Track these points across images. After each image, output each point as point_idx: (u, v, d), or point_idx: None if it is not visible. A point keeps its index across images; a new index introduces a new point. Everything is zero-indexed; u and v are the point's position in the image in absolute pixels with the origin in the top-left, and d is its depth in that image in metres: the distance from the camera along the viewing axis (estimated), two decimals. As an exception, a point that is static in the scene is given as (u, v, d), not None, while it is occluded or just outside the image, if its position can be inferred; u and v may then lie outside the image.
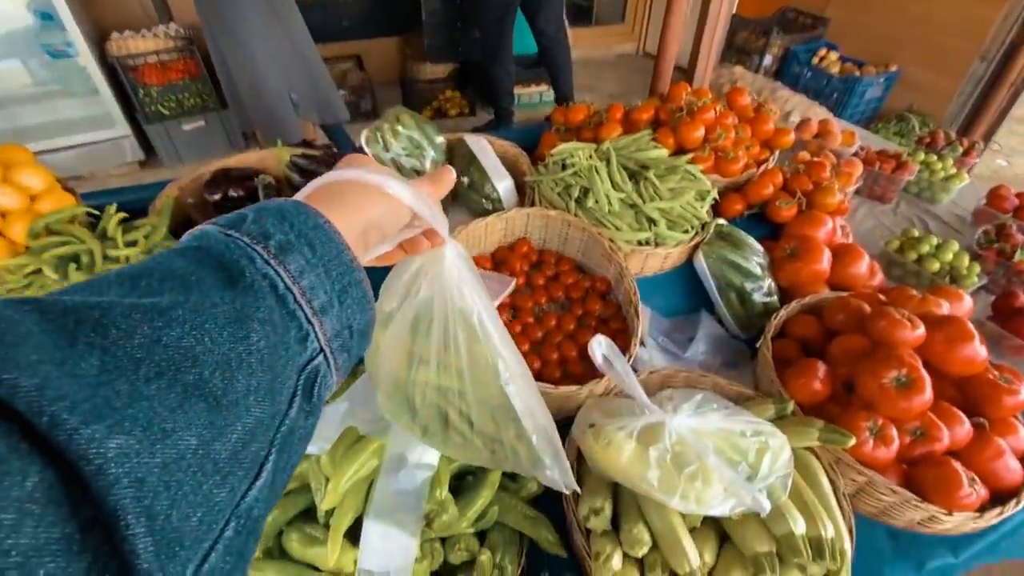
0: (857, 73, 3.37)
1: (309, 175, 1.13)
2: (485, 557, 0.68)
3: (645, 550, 0.70)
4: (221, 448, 0.23)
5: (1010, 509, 0.83)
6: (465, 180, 1.24)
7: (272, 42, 2.22)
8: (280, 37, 2.24)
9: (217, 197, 1.11)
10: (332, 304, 0.31)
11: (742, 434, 0.75)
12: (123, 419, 0.20)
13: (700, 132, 1.28)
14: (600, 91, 4.33)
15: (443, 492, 0.68)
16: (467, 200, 1.25)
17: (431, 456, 0.69)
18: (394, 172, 0.42)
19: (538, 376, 0.96)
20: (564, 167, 1.19)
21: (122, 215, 0.97)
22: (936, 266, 1.27)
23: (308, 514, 0.71)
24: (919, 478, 0.86)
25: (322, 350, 0.30)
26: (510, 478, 0.79)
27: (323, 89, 2.48)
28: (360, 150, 1.23)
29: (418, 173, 1.24)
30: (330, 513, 0.68)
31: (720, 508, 0.69)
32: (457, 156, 1.30)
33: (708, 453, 0.69)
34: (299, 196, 0.36)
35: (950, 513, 0.81)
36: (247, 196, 1.13)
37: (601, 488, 0.77)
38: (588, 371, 0.97)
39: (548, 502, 0.79)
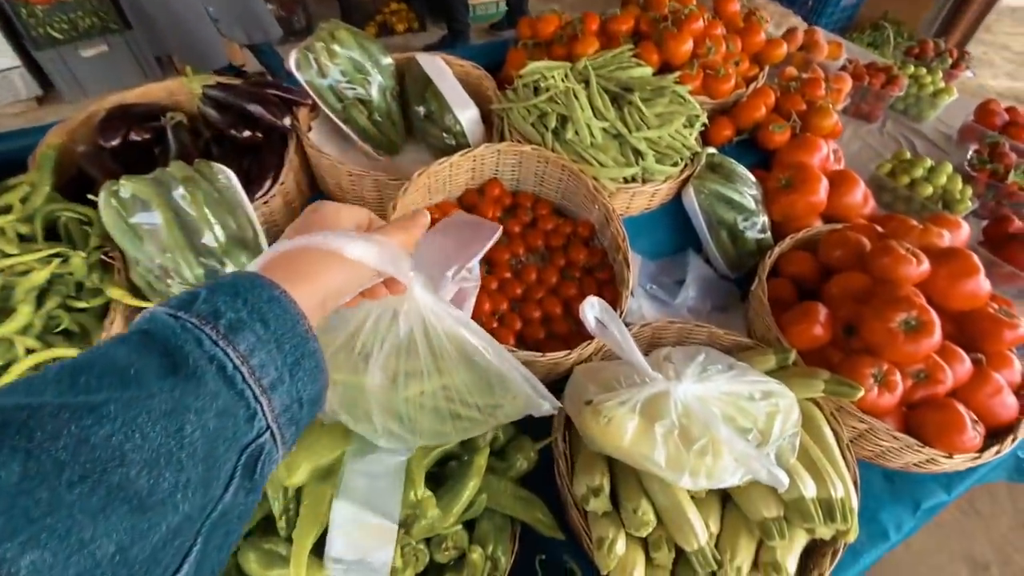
0: (834, -24, 3.16)
1: (226, 110, 0.92)
2: (477, 555, 0.60)
3: (650, 530, 0.64)
4: (139, 551, 0.22)
5: (1007, 447, 0.81)
6: (421, 110, 1.05)
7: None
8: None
9: (115, 143, 0.90)
10: (283, 379, 0.31)
11: (750, 397, 0.68)
12: (40, 531, 0.20)
13: (688, 46, 1.13)
14: (562, 1, 3.95)
15: (419, 492, 0.59)
16: (424, 134, 1.08)
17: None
18: (359, 217, 0.43)
19: (521, 338, 0.86)
20: (536, 91, 1.02)
21: (-14, 172, 0.77)
22: (929, 191, 1.20)
23: (267, 525, 0.61)
24: (920, 421, 0.83)
25: (269, 427, 0.30)
26: (498, 457, 0.71)
27: (246, 1, 2.12)
28: (291, 76, 1.01)
29: (363, 103, 1.05)
30: (292, 524, 0.58)
31: (731, 479, 0.63)
32: (409, 81, 1.10)
33: (718, 424, 0.62)
34: (256, 263, 0.36)
35: (951, 456, 0.79)
36: (153, 139, 0.92)
37: (597, 463, 0.70)
38: (575, 329, 0.87)
39: (538, 481, 0.72)
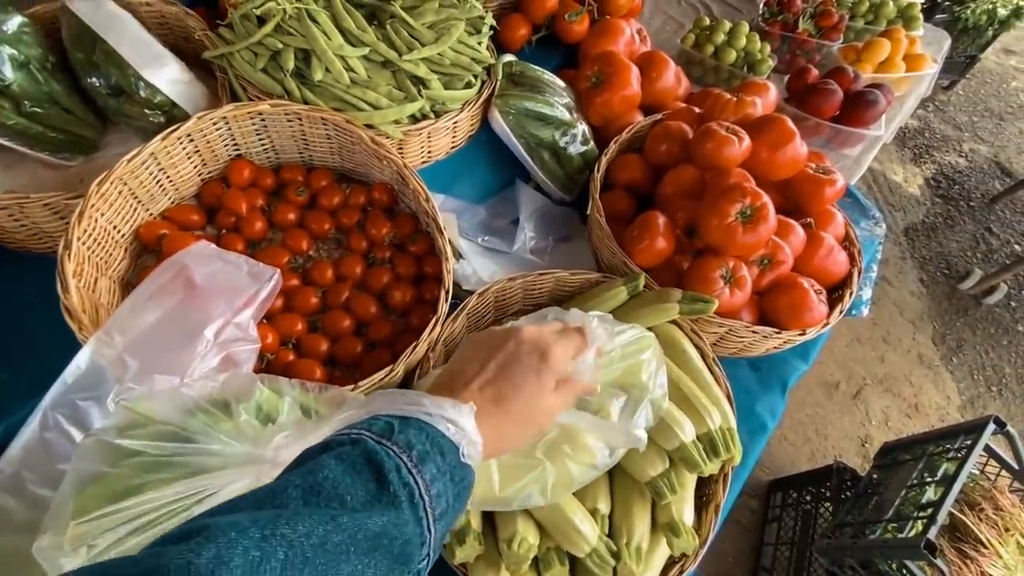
0: None
1: None
2: None
3: (534, 554, 0.53)
4: None
5: (847, 303, 0.82)
6: (97, 83, 0.73)
7: None
8: None
9: None
10: (449, 508, 0.34)
11: (609, 358, 0.57)
12: None
13: (446, -72, 0.89)
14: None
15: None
16: (120, 116, 0.76)
17: None
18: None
19: (334, 361, 0.67)
20: (262, 21, 0.75)
21: None
22: (732, 56, 1.16)
23: None
24: (772, 306, 0.81)
25: (428, 555, 0.32)
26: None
27: None
28: None
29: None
30: None
31: (605, 460, 0.54)
32: (69, 42, 0.75)
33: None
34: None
35: (804, 332, 0.78)
36: None
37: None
38: (401, 328, 0.70)
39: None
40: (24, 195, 0.63)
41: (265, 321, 0.64)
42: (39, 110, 0.73)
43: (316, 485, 0.29)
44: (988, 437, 0.97)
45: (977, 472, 1.04)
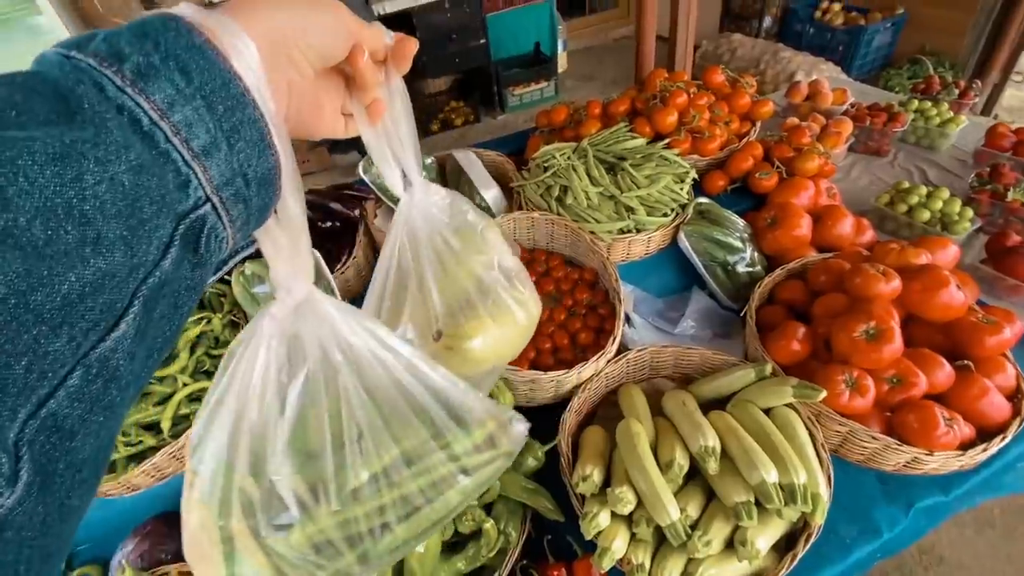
0: (862, 22, 3.26)
1: (315, 208, 1.26)
2: (489, 526, 0.78)
3: (629, 508, 0.78)
4: (44, 299, 0.21)
5: (995, 445, 0.86)
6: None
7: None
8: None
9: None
10: (218, 146, 0.27)
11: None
12: None
13: (673, 117, 1.34)
14: (602, 78, 4.35)
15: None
16: (461, 211, 1.36)
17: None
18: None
19: (533, 364, 1.05)
20: (546, 170, 1.28)
21: None
22: (926, 216, 1.27)
23: None
24: (900, 423, 0.90)
25: (208, 199, 0.27)
26: (511, 457, 0.89)
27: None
28: (361, 179, 1.35)
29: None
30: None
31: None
32: (449, 171, 1.41)
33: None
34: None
35: (931, 453, 0.85)
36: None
37: (593, 457, 0.85)
38: (578, 356, 1.05)
39: (549, 476, 0.89)
40: (413, 243, 1.23)
41: (505, 331, 1.07)
42: (425, 204, 1.38)
43: None
44: None
45: None
